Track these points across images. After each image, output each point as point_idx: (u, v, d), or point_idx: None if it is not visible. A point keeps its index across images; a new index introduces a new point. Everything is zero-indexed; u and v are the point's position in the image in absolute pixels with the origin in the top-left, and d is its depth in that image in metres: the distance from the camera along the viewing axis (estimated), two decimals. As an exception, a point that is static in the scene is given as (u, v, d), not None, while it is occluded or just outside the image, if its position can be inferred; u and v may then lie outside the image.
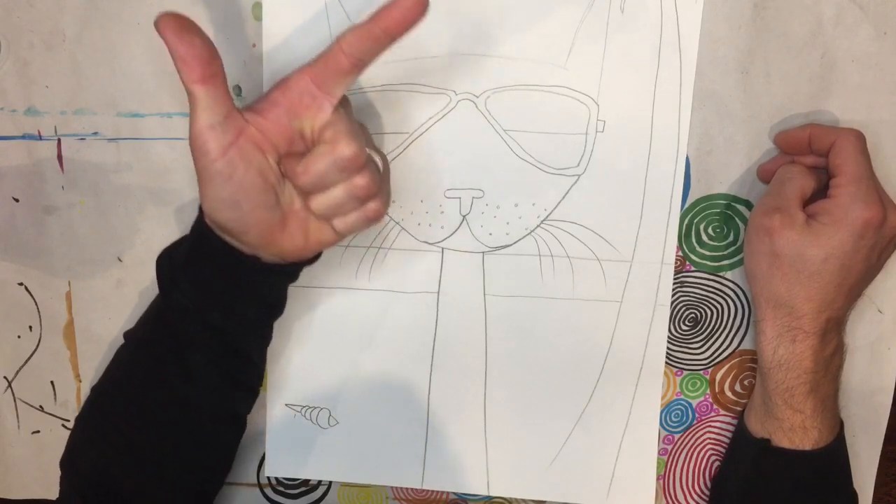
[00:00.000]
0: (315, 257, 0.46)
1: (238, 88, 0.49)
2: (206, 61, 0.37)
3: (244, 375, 0.47)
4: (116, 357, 0.47)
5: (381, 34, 0.38)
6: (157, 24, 0.36)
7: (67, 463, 0.47)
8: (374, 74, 0.48)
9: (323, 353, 0.53)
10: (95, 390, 0.47)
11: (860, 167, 0.44)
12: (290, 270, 0.45)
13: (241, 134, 0.39)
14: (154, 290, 0.46)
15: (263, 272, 0.44)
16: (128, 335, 0.48)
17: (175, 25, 0.36)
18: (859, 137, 0.45)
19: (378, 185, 0.42)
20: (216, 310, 0.44)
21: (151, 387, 0.45)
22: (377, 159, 0.43)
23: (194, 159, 0.40)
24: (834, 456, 0.48)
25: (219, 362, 0.45)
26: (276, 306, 0.47)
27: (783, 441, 0.47)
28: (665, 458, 0.55)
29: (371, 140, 0.45)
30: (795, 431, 0.47)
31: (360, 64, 0.39)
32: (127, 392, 0.46)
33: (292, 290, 0.47)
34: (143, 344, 0.46)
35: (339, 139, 0.39)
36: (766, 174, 0.49)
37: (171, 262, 0.45)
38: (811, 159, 0.47)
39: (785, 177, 0.46)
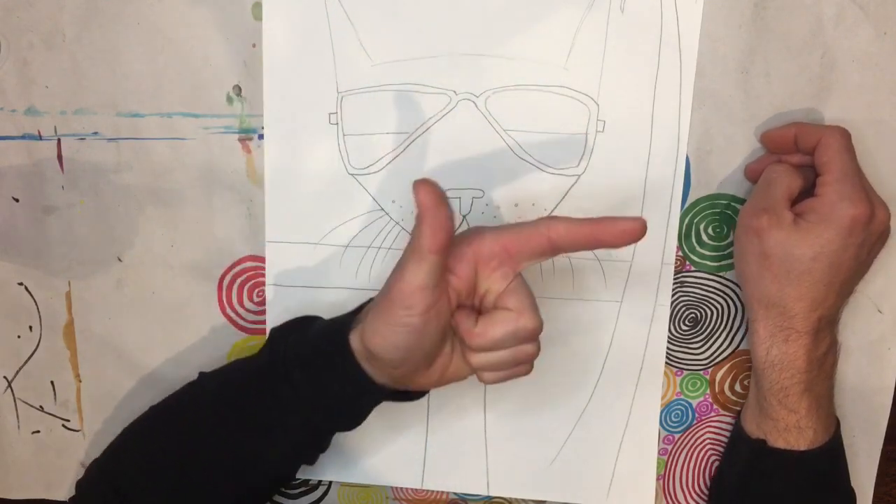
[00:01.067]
0: (424, 393, 0.47)
1: (238, 88, 0.50)
2: (449, 234, 0.38)
3: (313, 453, 0.48)
4: (190, 391, 0.48)
5: (590, 240, 0.39)
6: (416, 188, 0.37)
7: (100, 465, 0.47)
8: (375, 74, 0.48)
9: (323, 353, 0.53)
10: (157, 409, 0.48)
11: (846, 164, 0.44)
12: (409, 399, 0.46)
13: (443, 294, 0.40)
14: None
15: (384, 397, 0.44)
16: (207, 376, 0.48)
17: (434, 195, 0.37)
18: (844, 134, 0.45)
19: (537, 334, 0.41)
20: (321, 413, 0.44)
21: (221, 436, 0.45)
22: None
23: (390, 306, 0.39)
24: (830, 455, 0.48)
25: (297, 444, 0.46)
26: (359, 418, 0.47)
27: (779, 441, 0.47)
28: (665, 458, 0.55)
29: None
30: (791, 431, 0.47)
31: (557, 252, 0.40)
32: (193, 428, 0.46)
33: (293, 290, 0.48)
34: (225, 394, 0.46)
35: (524, 311, 0.40)
36: (753, 174, 0.49)
37: (287, 351, 0.45)
38: (797, 158, 0.47)
39: (771, 176, 0.46)
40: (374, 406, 0.45)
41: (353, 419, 0.46)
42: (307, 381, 0.43)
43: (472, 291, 0.41)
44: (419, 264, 0.38)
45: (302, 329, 0.46)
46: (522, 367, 0.42)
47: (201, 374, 0.48)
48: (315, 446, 0.47)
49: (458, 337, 0.42)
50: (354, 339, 0.42)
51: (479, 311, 0.41)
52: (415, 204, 0.37)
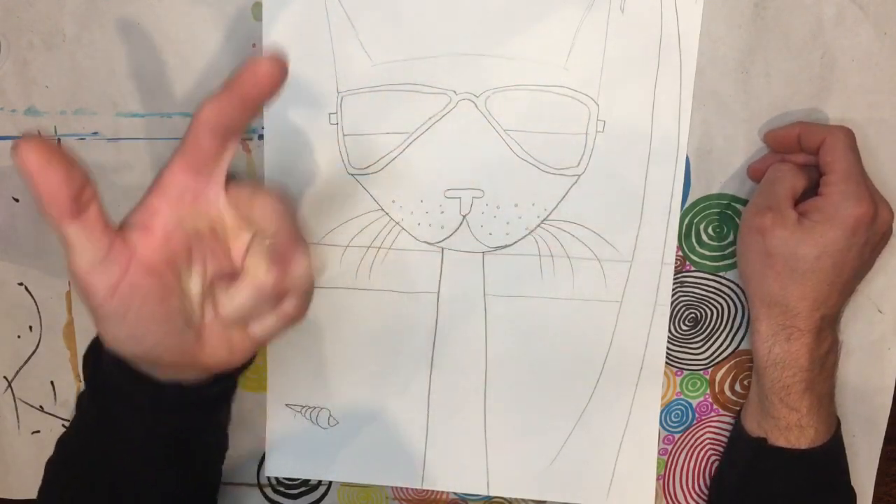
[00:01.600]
0: (243, 367, 0.40)
1: (238, 88, 0.49)
2: (76, 195, 0.31)
3: (196, 472, 0.44)
4: (75, 421, 0.44)
5: (239, 103, 0.33)
6: (14, 153, 0.30)
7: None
8: (375, 74, 0.48)
9: (323, 353, 0.53)
10: (61, 442, 0.44)
11: (851, 164, 0.44)
12: (219, 388, 0.40)
13: (129, 264, 0.33)
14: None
15: (189, 397, 0.39)
16: (65, 437, 0.44)
17: (38, 155, 0.30)
18: (849, 134, 0.45)
19: (293, 280, 0.37)
20: (151, 424, 0.40)
21: (110, 470, 0.42)
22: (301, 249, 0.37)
23: (83, 301, 0.34)
24: (831, 454, 0.48)
25: (175, 460, 0.42)
26: (219, 414, 0.43)
27: (779, 440, 0.47)
28: (665, 458, 0.55)
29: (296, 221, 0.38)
30: (791, 430, 0.47)
31: (228, 136, 0.34)
32: (83, 464, 0.43)
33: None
34: (87, 445, 0.42)
35: (257, 268, 0.36)
36: (756, 173, 0.49)
37: (95, 367, 0.40)
38: (801, 157, 0.47)
39: (776, 175, 0.46)
40: (200, 404, 0.40)
41: (188, 421, 0.41)
42: (123, 405, 0.39)
43: (193, 238, 0.35)
44: (68, 245, 0.32)
45: (95, 351, 0.41)
46: (284, 309, 0.37)
47: (58, 441, 0.44)
48: (195, 457, 0.43)
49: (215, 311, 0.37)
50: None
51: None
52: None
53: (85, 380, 0.41)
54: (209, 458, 0.46)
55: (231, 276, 0.37)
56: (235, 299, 0.36)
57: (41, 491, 0.45)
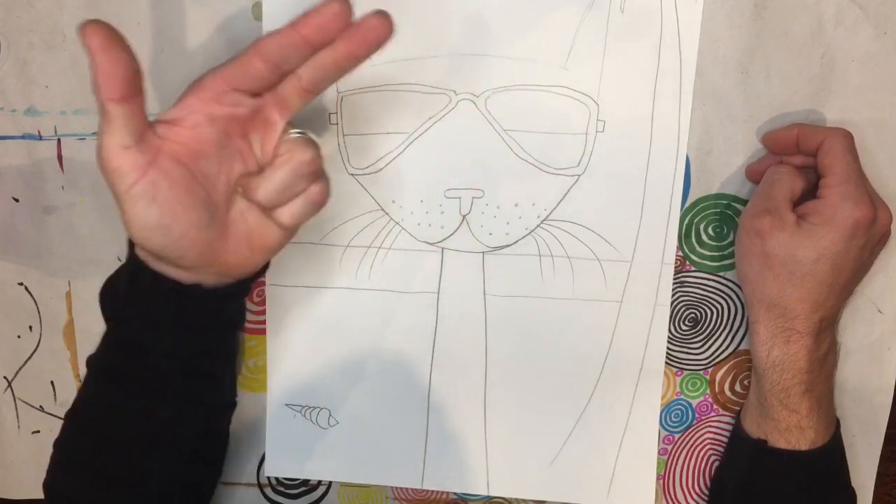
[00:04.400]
0: (263, 269, 0.44)
1: (238, 88, 0.49)
2: (130, 78, 0.34)
3: (213, 394, 0.46)
4: (84, 383, 0.45)
5: (300, 41, 0.35)
6: (81, 32, 0.33)
7: (50, 488, 0.46)
8: (375, 74, 0.48)
9: (323, 353, 0.53)
10: (68, 416, 0.45)
11: (849, 167, 0.44)
12: (236, 291, 0.43)
13: (159, 151, 0.37)
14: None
15: (209, 299, 0.41)
16: (90, 361, 0.45)
17: (102, 36, 0.33)
18: (847, 136, 0.45)
19: (321, 164, 0.40)
20: (169, 341, 0.42)
21: (120, 414, 0.43)
22: (313, 137, 0.40)
23: (109, 185, 0.36)
24: (831, 455, 0.48)
25: (183, 386, 0.43)
26: (232, 322, 0.45)
27: (779, 441, 0.47)
28: (665, 458, 0.55)
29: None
30: (791, 432, 0.47)
31: (279, 71, 0.37)
32: (97, 419, 0.44)
33: (293, 290, 0.47)
34: (104, 372, 0.44)
35: (296, 148, 0.38)
36: (754, 174, 0.49)
37: (113, 296, 0.43)
38: (799, 159, 0.47)
39: (774, 178, 0.46)
40: (217, 311, 0.43)
41: (203, 332, 0.43)
42: (134, 314, 0.42)
43: (226, 148, 0.38)
44: (108, 122, 0.35)
45: (119, 268, 0.44)
46: (312, 191, 0.40)
47: (87, 360, 0.45)
48: (201, 379, 0.44)
49: (245, 196, 0.40)
50: (139, 252, 0.40)
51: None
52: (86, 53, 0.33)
53: (105, 312, 0.43)
54: (225, 364, 0.47)
55: (255, 172, 0.40)
56: (273, 179, 0.38)
57: (58, 443, 0.45)
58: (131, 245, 0.41)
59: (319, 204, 0.40)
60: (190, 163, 0.38)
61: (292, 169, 0.38)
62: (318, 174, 0.40)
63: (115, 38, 0.34)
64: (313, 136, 0.40)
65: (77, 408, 0.45)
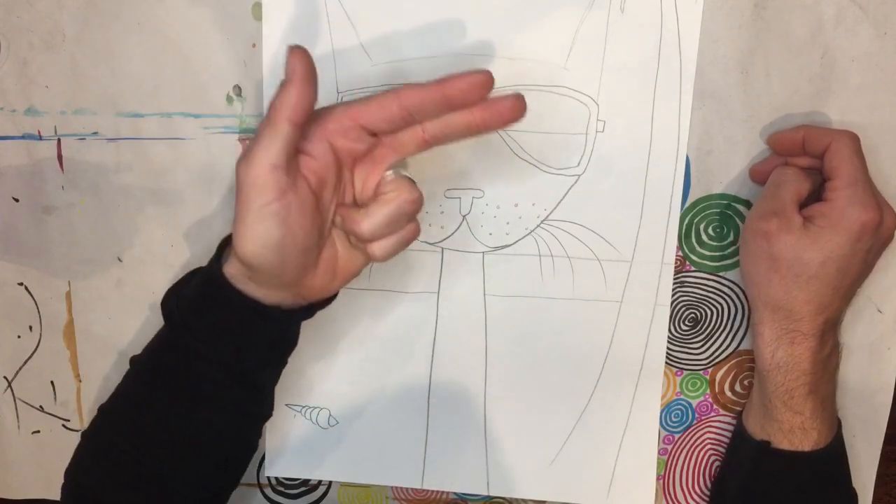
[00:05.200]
0: (332, 298, 0.45)
1: (238, 88, 0.50)
2: (311, 107, 0.37)
3: (257, 405, 0.47)
4: (125, 381, 0.46)
5: (440, 97, 0.37)
6: (290, 53, 0.36)
7: (72, 476, 0.46)
8: (375, 74, 0.48)
9: (323, 353, 0.53)
10: (103, 410, 0.46)
11: (856, 170, 0.44)
12: (307, 314, 0.45)
13: (298, 176, 0.39)
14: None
15: (282, 319, 0.43)
16: (136, 361, 0.46)
17: (307, 67, 0.36)
18: (854, 139, 0.45)
19: (421, 204, 0.41)
20: (231, 353, 0.43)
21: (161, 414, 0.44)
22: (411, 177, 0.42)
23: (246, 198, 0.38)
24: (833, 456, 0.48)
25: (231, 396, 0.44)
26: (292, 343, 0.46)
27: (783, 443, 0.47)
28: (665, 458, 0.55)
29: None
30: (795, 433, 0.47)
31: (410, 120, 0.39)
32: (135, 416, 0.45)
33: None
34: (152, 373, 0.45)
35: (402, 188, 0.40)
36: (758, 175, 0.49)
37: (178, 303, 0.44)
38: (805, 161, 0.47)
39: (780, 179, 0.46)
40: (284, 330, 0.44)
41: (267, 349, 0.44)
42: (202, 324, 0.42)
43: (338, 179, 0.41)
44: (272, 139, 0.37)
45: (187, 280, 0.45)
46: (408, 228, 0.42)
47: (131, 360, 0.47)
48: (250, 391, 0.45)
49: (344, 227, 0.41)
50: (229, 266, 0.41)
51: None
52: (284, 71, 0.36)
53: (167, 315, 0.44)
54: (273, 380, 0.48)
55: (352, 204, 0.42)
56: (379, 214, 0.40)
57: (87, 434, 0.46)
58: (218, 256, 0.43)
59: (412, 241, 0.42)
60: (317, 191, 0.40)
61: (398, 207, 0.40)
62: (416, 213, 0.41)
63: (314, 72, 0.37)
64: (411, 176, 0.42)
65: (114, 402, 0.46)
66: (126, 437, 0.45)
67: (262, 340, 0.44)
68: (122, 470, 0.44)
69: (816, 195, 0.46)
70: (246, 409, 0.46)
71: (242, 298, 0.41)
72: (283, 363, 0.47)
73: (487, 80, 0.37)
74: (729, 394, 0.54)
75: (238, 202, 0.38)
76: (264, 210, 0.38)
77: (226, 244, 0.43)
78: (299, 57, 0.36)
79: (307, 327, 0.48)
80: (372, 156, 0.41)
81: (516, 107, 0.38)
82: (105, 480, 0.45)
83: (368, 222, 0.40)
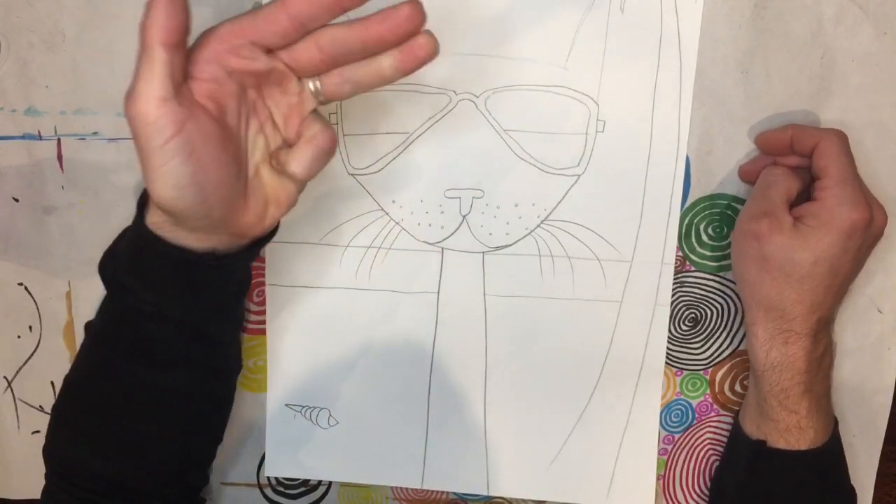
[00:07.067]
0: (274, 230, 0.43)
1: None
2: (182, 27, 0.34)
3: (219, 359, 0.46)
4: (82, 350, 0.46)
5: (329, 3, 0.35)
6: None
7: (49, 453, 0.46)
8: (374, 74, 0.48)
9: (323, 353, 0.53)
10: (67, 382, 0.45)
11: (845, 168, 0.44)
12: (247, 255, 0.43)
13: (192, 107, 0.36)
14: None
15: (222, 265, 0.41)
16: (89, 328, 0.45)
17: None
18: (842, 138, 0.45)
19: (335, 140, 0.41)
20: (176, 308, 0.41)
21: (119, 381, 0.43)
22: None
23: (143, 139, 0.35)
24: (830, 454, 0.49)
25: (186, 353, 0.43)
26: (241, 287, 0.45)
27: (779, 442, 0.47)
28: (665, 458, 0.55)
29: None
30: (791, 432, 0.47)
31: (302, 30, 0.36)
32: (96, 385, 0.44)
33: (293, 290, 0.47)
34: (104, 340, 0.44)
35: (319, 131, 0.40)
36: (747, 174, 0.49)
37: (115, 265, 0.42)
38: (794, 160, 0.47)
39: (770, 180, 0.46)
40: (226, 276, 0.43)
41: (212, 299, 0.43)
42: (139, 283, 0.41)
43: (242, 103, 0.38)
44: (151, 68, 0.34)
45: (118, 240, 0.44)
46: (321, 138, 0.41)
47: (86, 326, 0.45)
48: (207, 345, 0.44)
49: (270, 158, 0.40)
50: (151, 215, 0.40)
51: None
52: None
53: (106, 279, 0.43)
54: (232, 330, 0.47)
55: (283, 145, 0.41)
56: (306, 155, 0.40)
57: (55, 408, 0.46)
58: (140, 212, 0.41)
59: (329, 151, 0.41)
60: (219, 117, 0.37)
61: (319, 148, 0.40)
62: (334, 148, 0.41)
63: None
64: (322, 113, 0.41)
65: (75, 373, 0.45)
66: (90, 406, 0.44)
67: (205, 290, 0.42)
68: (92, 440, 0.44)
69: (806, 194, 0.46)
70: (207, 364, 0.45)
71: (172, 249, 0.39)
72: (237, 312, 0.45)
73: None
74: (729, 394, 0.54)
75: (137, 146, 0.35)
76: (166, 148, 0.35)
77: (147, 197, 0.41)
78: None
79: (307, 327, 0.49)
80: (277, 75, 0.38)
81: (413, 13, 0.35)
82: (76, 453, 0.45)
83: (297, 165, 0.40)
